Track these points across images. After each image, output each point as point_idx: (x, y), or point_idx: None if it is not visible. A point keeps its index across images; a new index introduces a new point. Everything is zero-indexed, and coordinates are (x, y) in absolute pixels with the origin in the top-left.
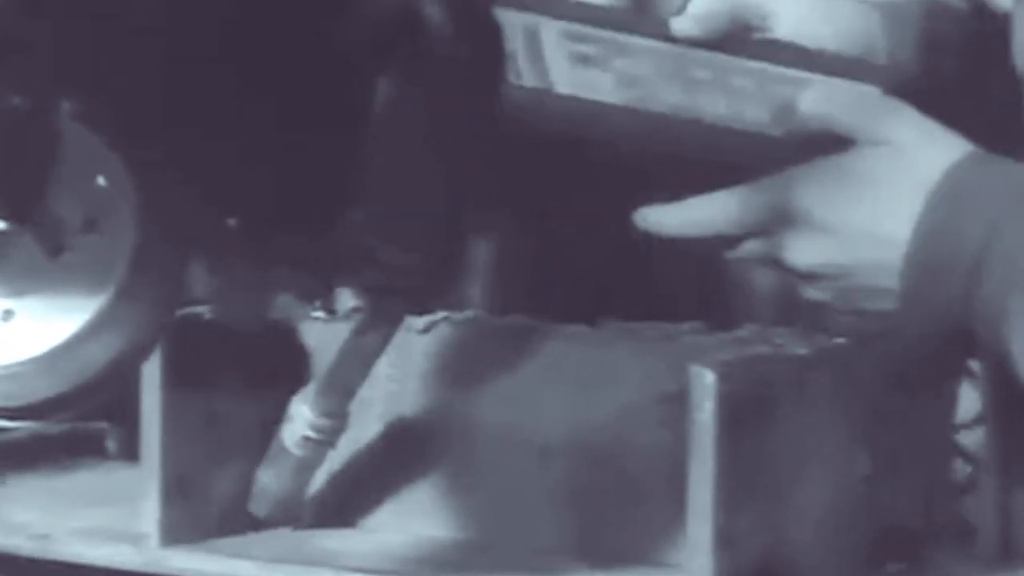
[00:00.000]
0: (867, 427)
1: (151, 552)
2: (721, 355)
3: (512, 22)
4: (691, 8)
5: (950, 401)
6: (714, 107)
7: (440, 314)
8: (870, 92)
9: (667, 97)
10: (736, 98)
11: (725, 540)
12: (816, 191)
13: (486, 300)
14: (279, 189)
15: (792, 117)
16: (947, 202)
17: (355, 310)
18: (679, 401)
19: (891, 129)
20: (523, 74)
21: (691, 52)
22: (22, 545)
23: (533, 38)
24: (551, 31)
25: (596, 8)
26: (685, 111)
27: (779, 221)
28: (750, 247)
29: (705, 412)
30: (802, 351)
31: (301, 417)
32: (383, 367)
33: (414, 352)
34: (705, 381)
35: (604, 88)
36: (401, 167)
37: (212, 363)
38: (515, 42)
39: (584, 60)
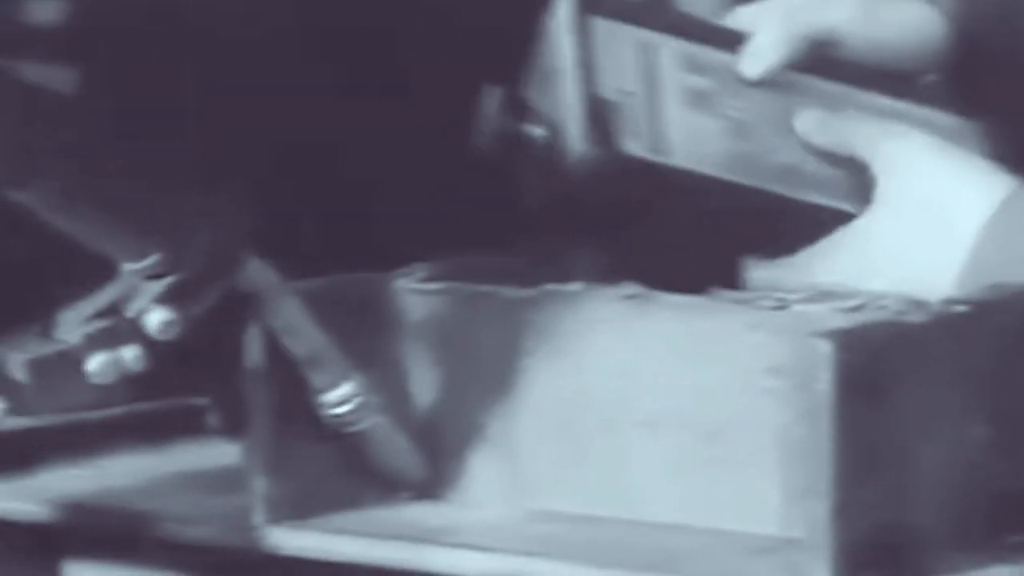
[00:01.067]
0: (986, 394)
1: (254, 530)
2: (837, 324)
3: (627, 39)
4: (755, 41)
5: None
6: (819, 167)
7: (546, 285)
8: (894, 125)
9: (776, 153)
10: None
11: (843, 514)
12: (853, 258)
13: (593, 270)
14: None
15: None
16: (988, 256)
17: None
18: (791, 372)
19: (917, 171)
20: (638, 131)
21: (799, 79)
22: (122, 524)
23: (651, 67)
24: (669, 55)
25: (709, 27)
26: (790, 177)
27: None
28: None
29: (822, 383)
30: (919, 318)
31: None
32: (489, 339)
33: (521, 324)
34: (822, 351)
35: (715, 141)
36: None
37: None
38: (626, 72)
39: (698, 100)
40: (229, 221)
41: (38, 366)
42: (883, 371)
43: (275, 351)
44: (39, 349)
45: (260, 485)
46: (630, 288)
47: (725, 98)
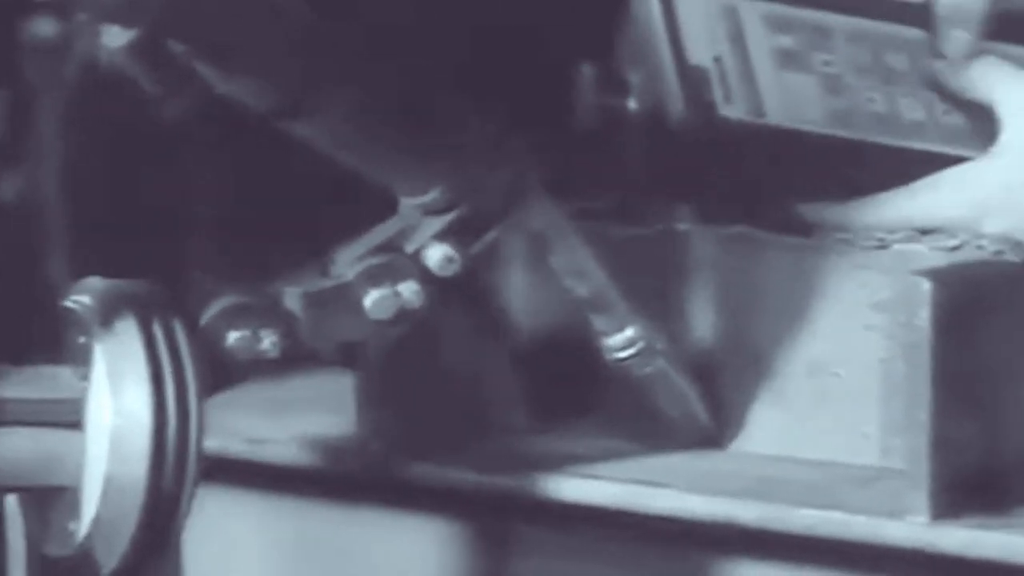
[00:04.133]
0: None
1: (365, 458)
2: (936, 263)
3: (711, 4)
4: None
5: None
6: (912, 112)
7: (658, 225)
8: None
9: (871, 103)
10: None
11: (942, 446)
12: (964, 198)
13: (698, 211)
14: None
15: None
16: None
17: None
18: (892, 309)
19: None
20: (733, 95)
21: (883, 28)
22: (239, 449)
23: (737, 30)
24: (753, 16)
25: None
26: (888, 125)
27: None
28: None
29: (921, 320)
30: (1017, 258)
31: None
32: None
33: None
34: (921, 288)
35: (809, 98)
36: None
37: None
38: (714, 37)
39: (787, 59)
40: (514, 158)
41: (314, 300)
42: (980, 308)
43: None
44: (316, 284)
45: (370, 416)
46: (738, 228)
47: (813, 54)
